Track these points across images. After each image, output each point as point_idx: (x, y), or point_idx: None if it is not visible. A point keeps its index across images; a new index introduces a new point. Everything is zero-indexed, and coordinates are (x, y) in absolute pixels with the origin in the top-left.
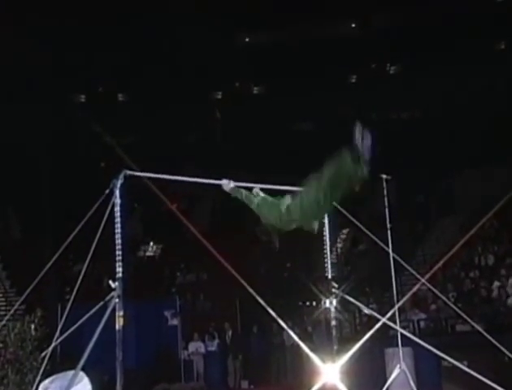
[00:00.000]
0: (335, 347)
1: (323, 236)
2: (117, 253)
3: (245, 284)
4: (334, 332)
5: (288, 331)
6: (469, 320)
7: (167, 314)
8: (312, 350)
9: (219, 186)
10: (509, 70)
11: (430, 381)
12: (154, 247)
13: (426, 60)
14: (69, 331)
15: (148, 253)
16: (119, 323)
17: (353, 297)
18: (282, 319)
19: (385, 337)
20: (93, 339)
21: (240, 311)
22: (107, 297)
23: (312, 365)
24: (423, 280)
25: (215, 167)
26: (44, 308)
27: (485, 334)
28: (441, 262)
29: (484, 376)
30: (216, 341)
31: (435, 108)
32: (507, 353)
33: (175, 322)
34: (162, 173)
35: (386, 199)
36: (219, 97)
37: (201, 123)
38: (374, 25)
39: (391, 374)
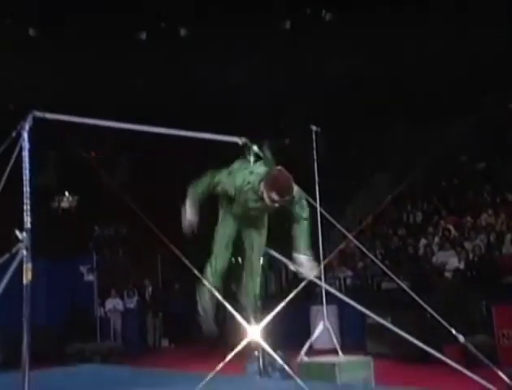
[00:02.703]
0: (259, 305)
1: None
2: (25, 201)
3: (167, 241)
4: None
5: (211, 288)
6: (394, 278)
7: (83, 269)
8: (236, 309)
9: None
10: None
11: (354, 338)
12: (70, 198)
13: (362, 6)
14: None
15: (63, 205)
16: (27, 277)
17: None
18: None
19: (312, 295)
20: None
21: (161, 267)
22: (14, 249)
23: (236, 323)
24: (349, 237)
25: (138, 114)
26: None
27: (409, 291)
28: (369, 219)
29: (407, 332)
30: (135, 298)
31: (373, 59)
32: (430, 309)
33: (91, 277)
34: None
35: (315, 152)
36: (144, 37)
37: (125, 63)
38: None
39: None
